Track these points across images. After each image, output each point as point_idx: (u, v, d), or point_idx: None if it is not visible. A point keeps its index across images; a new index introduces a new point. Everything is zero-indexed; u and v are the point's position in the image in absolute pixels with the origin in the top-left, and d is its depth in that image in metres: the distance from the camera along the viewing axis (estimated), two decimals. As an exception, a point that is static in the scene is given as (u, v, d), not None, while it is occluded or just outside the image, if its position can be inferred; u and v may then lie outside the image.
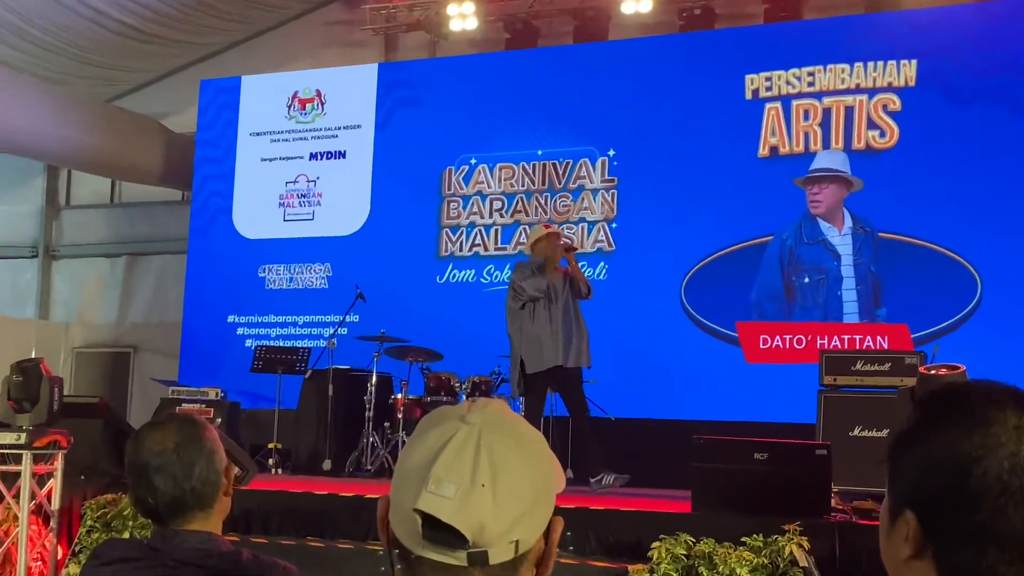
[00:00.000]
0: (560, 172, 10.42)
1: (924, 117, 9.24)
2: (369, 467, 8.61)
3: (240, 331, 11.38)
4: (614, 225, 10.13)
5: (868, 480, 6.24)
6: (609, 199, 10.19)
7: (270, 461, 9.07)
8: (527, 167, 10.55)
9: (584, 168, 10.33)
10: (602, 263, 10.10)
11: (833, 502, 5.40)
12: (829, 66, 9.56)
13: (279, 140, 11.67)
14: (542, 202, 10.45)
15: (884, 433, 6.54)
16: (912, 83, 9.30)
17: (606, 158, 10.26)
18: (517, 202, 10.55)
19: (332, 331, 9.80)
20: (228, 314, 11.46)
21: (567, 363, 7.11)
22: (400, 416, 8.65)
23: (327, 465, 9.01)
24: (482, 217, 10.68)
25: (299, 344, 10.41)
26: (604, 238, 10.16)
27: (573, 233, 10.22)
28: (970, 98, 9.13)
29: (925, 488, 1.10)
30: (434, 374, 8.86)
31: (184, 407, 9.38)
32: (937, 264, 9.02)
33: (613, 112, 10.27)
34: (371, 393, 8.77)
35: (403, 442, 8.47)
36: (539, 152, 10.54)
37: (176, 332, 11.81)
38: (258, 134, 11.76)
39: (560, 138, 10.47)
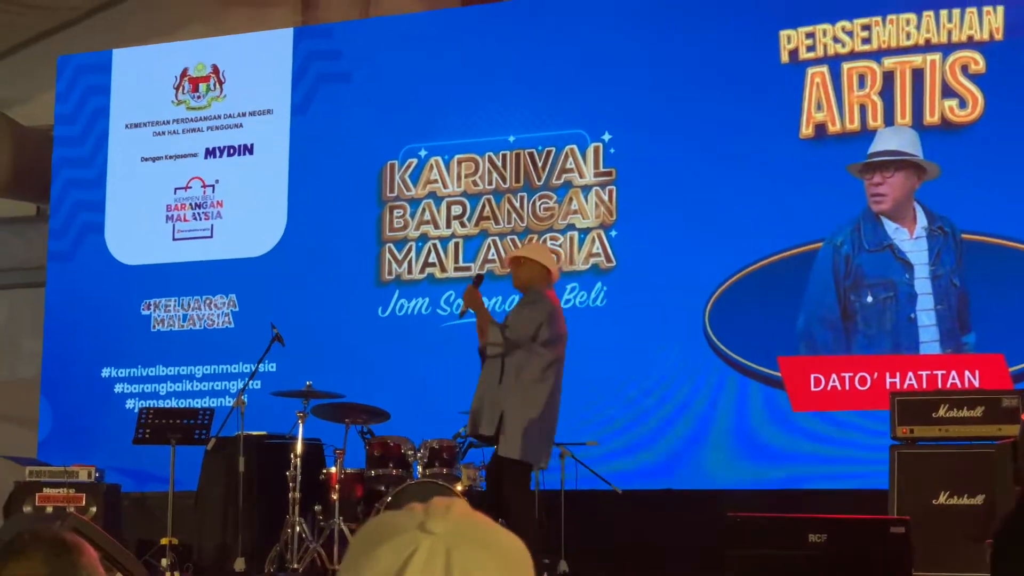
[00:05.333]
0: (540, 164, 10.43)
1: (1017, 79, 9.32)
2: (296, 565, 8.56)
3: (119, 388, 11.31)
4: (613, 233, 10.14)
5: (960, 563, 6.25)
6: (606, 199, 10.20)
7: (163, 562, 9.01)
8: (495, 159, 10.56)
9: (571, 158, 10.34)
10: (599, 284, 10.10)
11: (915, 596, 5.41)
12: (890, 16, 9.63)
13: (165, 133, 11.63)
14: (517, 204, 10.45)
15: (979, 499, 6.56)
16: (999, 36, 9.37)
17: (600, 144, 10.28)
18: (483, 206, 10.55)
19: (241, 386, 9.75)
20: (102, 366, 11.39)
21: None
22: (335, 497, 8.59)
23: (240, 565, 8.98)
24: (437, 227, 10.67)
25: (198, 404, 10.33)
26: (600, 251, 10.16)
27: (559, 245, 10.23)
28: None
29: None
30: (379, 439, 8.82)
31: (46, 492, 9.34)
32: (1040, 273, 9.09)
33: (608, 84, 10.30)
34: (295, 467, 8.73)
35: (340, 532, 8.43)
36: (511, 139, 10.55)
37: (33, 392, 11.72)
38: (136, 125, 11.72)
39: (539, 119, 10.48)
